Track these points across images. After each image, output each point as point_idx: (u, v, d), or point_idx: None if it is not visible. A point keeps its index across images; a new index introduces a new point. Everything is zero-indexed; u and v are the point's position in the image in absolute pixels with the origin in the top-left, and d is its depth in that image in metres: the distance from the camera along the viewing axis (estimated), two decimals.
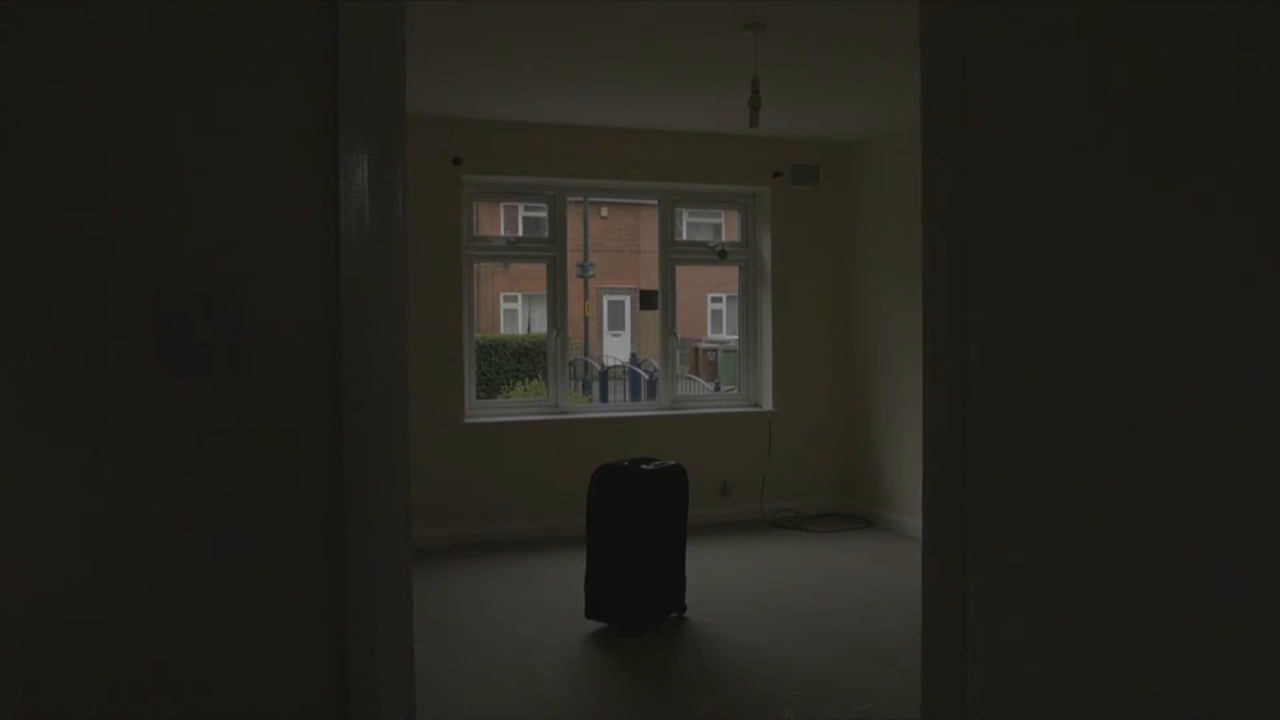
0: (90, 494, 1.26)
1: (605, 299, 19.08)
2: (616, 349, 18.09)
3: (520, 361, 12.76)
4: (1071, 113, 1.11)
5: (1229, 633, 0.94)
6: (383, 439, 1.33)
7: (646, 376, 12.43)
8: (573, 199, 6.27)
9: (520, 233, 11.16)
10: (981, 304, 1.25)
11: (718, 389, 10.65)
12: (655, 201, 6.41)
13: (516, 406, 6.65)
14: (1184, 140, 0.97)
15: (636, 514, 4.11)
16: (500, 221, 14.76)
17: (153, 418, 1.27)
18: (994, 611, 1.24)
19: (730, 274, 6.74)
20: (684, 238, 9.82)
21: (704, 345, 15.37)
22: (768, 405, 6.41)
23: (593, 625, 4.16)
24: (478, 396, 6.07)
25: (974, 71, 1.25)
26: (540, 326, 9.73)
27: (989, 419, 1.24)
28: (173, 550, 1.29)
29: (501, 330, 17.51)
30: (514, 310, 18.43)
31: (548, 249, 6.18)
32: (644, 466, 4.22)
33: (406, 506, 1.38)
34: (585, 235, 15.62)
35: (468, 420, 5.78)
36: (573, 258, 9.74)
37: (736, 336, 6.79)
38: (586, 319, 16.65)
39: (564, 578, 4.72)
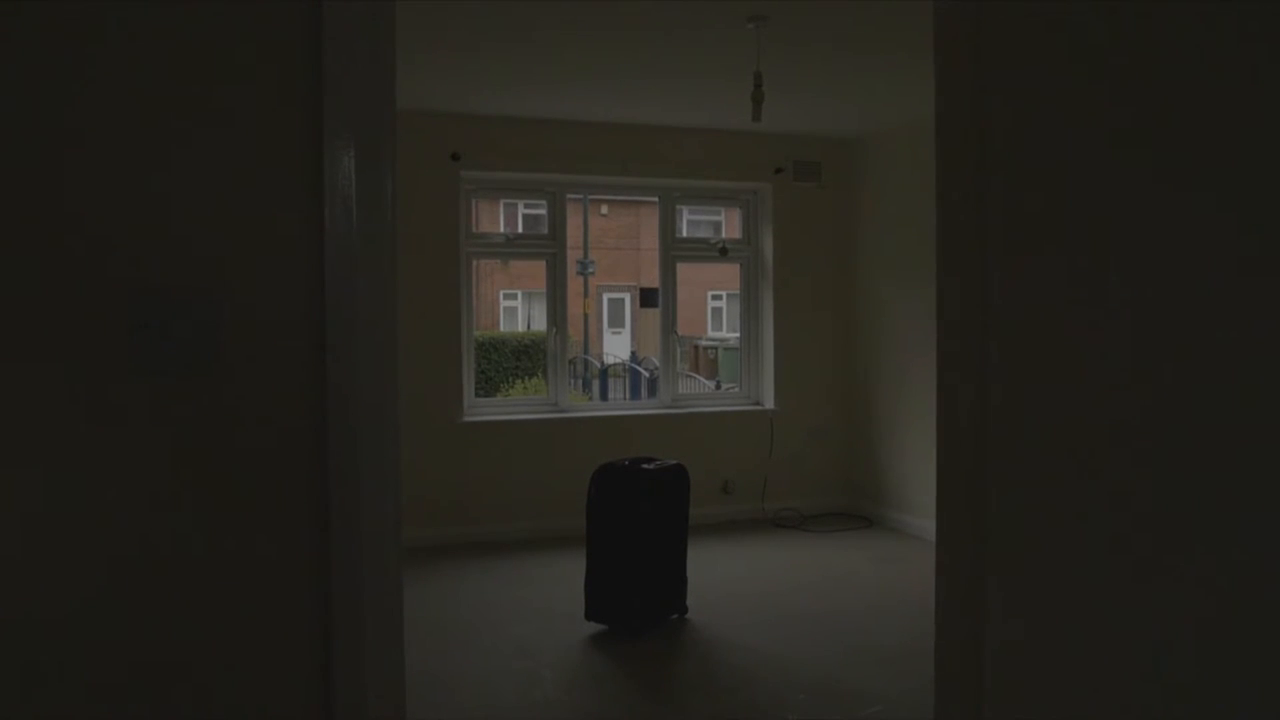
0: (64, 492, 1.21)
1: (605, 296, 19.06)
2: (616, 347, 18.07)
3: (520, 359, 12.72)
4: (1088, 106, 1.07)
5: (1254, 640, 0.90)
6: (370, 438, 1.28)
7: (647, 374, 12.41)
8: (572, 196, 6.23)
9: (520, 230, 11.14)
10: (995, 304, 1.21)
11: (718, 387, 10.62)
12: (656, 198, 6.36)
13: (516, 405, 6.61)
14: (1203, 134, 0.93)
15: (637, 514, 4.07)
16: (500, 218, 14.73)
17: (125, 417, 1.22)
18: (1011, 614, 1.20)
19: (731, 271, 6.70)
20: (684, 235, 9.77)
21: (704, 343, 15.33)
22: (769, 404, 6.36)
23: (593, 627, 4.11)
24: (477, 395, 6.02)
25: (988, 64, 1.21)
26: (540, 324, 9.69)
27: (1009, 418, 1.20)
28: (150, 551, 1.24)
29: (501, 328, 17.49)
30: (513, 308, 18.41)
31: (547, 246, 6.13)
32: (644, 466, 4.17)
33: (397, 506, 1.33)
34: (585, 232, 15.59)
35: (466, 419, 5.73)
36: (573, 255, 9.72)
37: (737, 334, 6.74)
38: (586, 317, 16.63)
39: (564, 578, 4.68)
